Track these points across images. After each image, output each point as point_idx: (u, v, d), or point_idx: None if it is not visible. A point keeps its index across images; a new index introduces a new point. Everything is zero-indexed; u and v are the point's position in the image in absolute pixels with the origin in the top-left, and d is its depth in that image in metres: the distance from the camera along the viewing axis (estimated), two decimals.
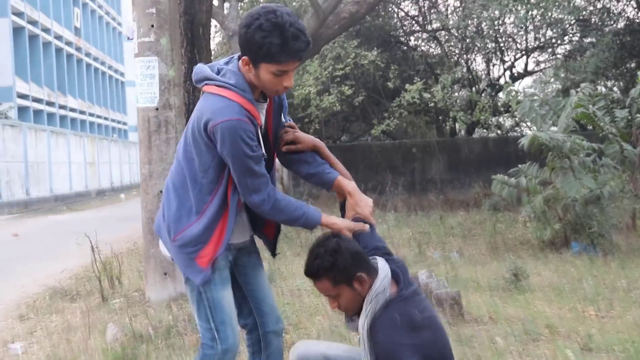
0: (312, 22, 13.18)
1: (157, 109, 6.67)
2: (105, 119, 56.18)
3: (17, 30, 39.13)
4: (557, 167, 11.46)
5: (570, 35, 19.22)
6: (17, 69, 38.77)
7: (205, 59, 8.83)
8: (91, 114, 51.91)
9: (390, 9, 20.56)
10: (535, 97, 12.37)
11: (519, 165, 12.23)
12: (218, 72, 3.43)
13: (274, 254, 3.79)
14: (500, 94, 20.45)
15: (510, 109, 20.30)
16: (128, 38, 6.58)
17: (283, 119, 3.69)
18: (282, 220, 3.47)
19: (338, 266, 3.29)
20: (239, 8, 16.51)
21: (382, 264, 3.37)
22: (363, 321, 3.30)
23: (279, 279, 8.06)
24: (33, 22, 41.07)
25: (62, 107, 45.37)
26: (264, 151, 3.41)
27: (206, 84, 3.40)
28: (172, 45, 6.87)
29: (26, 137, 29.52)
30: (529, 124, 20.35)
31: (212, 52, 11.76)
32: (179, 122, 6.67)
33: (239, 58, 3.41)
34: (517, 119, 20.82)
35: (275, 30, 3.21)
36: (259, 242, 3.78)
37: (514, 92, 12.35)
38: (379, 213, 14.25)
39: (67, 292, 8.28)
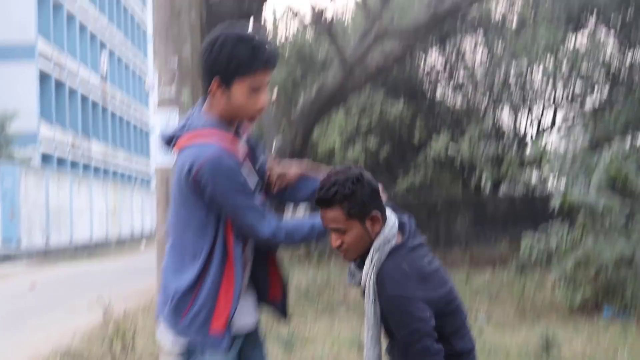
0: (338, 73, 13.01)
1: None
2: (129, 166, 56.32)
3: (44, 75, 39.41)
4: (588, 228, 11.13)
5: (599, 89, 18.93)
6: (43, 113, 38.97)
7: None
8: (114, 161, 52.04)
9: (416, 60, 20.36)
10: (565, 154, 12.07)
11: (549, 224, 11.88)
12: (183, 127, 3.23)
13: (285, 315, 3.46)
14: (528, 148, 20.15)
15: (537, 164, 20.00)
16: (148, 90, 6.36)
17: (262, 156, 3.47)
18: (300, 240, 3.21)
19: (357, 197, 3.01)
20: None
21: (389, 212, 3.10)
22: (368, 270, 3.04)
23: (298, 344, 7.73)
24: (60, 67, 41.37)
25: (85, 153, 45.51)
26: (252, 186, 3.18)
27: (176, 142, 3.20)
28: (194, 98, 6.60)
29: (48, 183, 29.54)
30: (556, 178, 19.99)
31: None
32: None
33: (203, 98, 3.23)
34: (544, 173, 20.43)
35: (241, 41, 3.11)
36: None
37: (543, 149, 12.04)
38: None
39: (78, 356, 7.98)
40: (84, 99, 45.89)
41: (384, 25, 12.79)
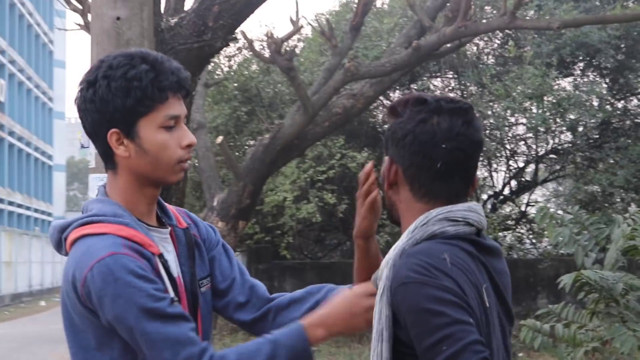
0: (298, 118, 12.21)
1: None
2: (28, 208, 54.68)
3: None
4: (603, 313, 10.50)
5: (591, 141, 18.48)
6: None
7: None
8: (11, 203, 50.33)
9: (378, 100, 19.70)
10: (574, 224, 11.46)
11: (549, 306, 11.21)
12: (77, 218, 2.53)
13: None
14: (506, 207, 19.63)
15: (515, 226, 19.51)
16: (82, 146, 5.42)
17: (227, 264, 2.74)
18: None
19: (390, 126, 2.38)
20: (206, 97, 15.56)
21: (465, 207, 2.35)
22: (391, 253, 2.29)
23: None
24: None
25: None
26: (173, 294, 2.43)
27: (66, 236, 2.46)
28: None
29: None
30: (537, 242, 19.51)
31: None
32: None
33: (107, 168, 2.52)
34: (523, 236, 19.92)
35: (135, 59, 2.43)
36: None
37: (549, 216, 11.34)
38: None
39: None
40: None
41: (355, 63, 12.00)
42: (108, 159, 2.48)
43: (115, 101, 2.39)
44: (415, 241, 2.26)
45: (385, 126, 19.28)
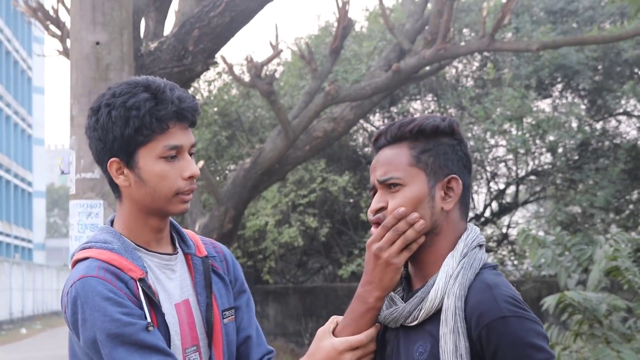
0: (279, 142, 12.14)
1: None
2: (7, 235, 54.27)
3: None
4: (587, 334, 10.46)
5: (571, 162, 18.52)
6: None
7: None
8: None
9: (359, 124, 19.68)
10: (556, 245, 11.44)
11: None
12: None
13: None
14: (488, 229, 19.59)
15: (497, 248, 19.48)
16: (62, 172, 5.28)
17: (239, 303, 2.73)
18: None
19: (440, 141, 2.33)
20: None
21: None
22: (447, 279, 2.24)
23: None
24: None
25: None
26: (149, 317, 2.32)
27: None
28: None
29: None
30: (519, 264, 19.52)
31: None
32: None
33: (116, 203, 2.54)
34: (505, 257, 19.90)
35: (137, 87, 2.41)
36: None
37: (531, 238, 11.31)
38: None
39: None
40: None
41: (336, 86, 11.97)
42: (114, 187, 2.49)
43: (115, 130, 2.38)
44: (475, 270, 2.29)
45: (366, 149, 19.42)
